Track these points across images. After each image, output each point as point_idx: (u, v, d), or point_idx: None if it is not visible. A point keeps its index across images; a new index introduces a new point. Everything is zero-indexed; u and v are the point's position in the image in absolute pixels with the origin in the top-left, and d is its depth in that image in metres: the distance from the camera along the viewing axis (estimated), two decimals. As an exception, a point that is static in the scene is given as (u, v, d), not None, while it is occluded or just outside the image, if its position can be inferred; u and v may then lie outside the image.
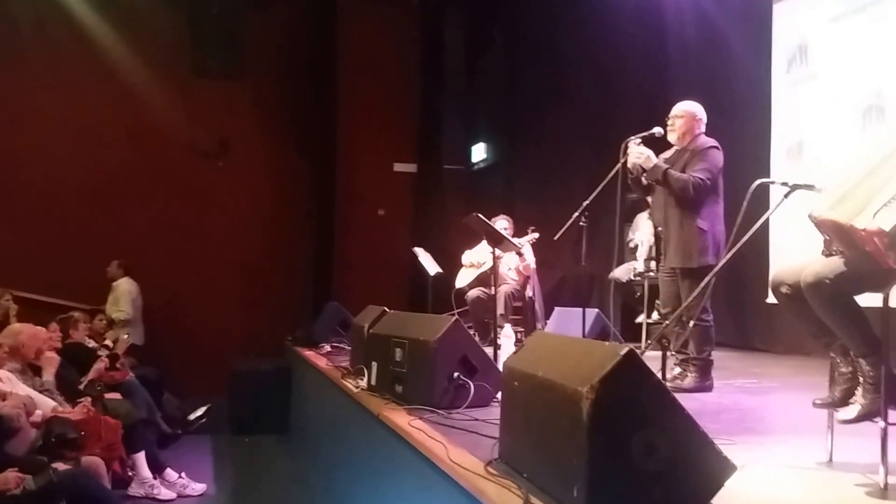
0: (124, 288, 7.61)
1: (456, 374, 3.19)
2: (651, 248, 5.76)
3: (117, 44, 8.13)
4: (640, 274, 5.58)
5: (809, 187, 2.46)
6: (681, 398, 3.53)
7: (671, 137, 3.95)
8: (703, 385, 3.79)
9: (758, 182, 2.61)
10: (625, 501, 1.75)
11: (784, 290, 2.33)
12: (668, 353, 3.79)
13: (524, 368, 2.22)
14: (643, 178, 3.95)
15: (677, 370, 3.94)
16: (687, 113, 3.92)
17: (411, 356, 3.38)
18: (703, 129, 3.93)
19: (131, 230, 8.19)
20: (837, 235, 2.20)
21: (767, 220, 2.71)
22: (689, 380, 3.81)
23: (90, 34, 8.08)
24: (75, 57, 8.08)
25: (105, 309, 7.47)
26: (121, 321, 7.38)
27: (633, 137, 3.86)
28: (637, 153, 3.81)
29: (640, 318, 5.52)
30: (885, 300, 2.22)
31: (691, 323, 3.78)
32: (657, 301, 5.08)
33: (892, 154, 2.11)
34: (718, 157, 3.81)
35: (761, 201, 2.65)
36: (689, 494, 1.80)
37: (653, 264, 5.50)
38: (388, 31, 8.77)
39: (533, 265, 5.86)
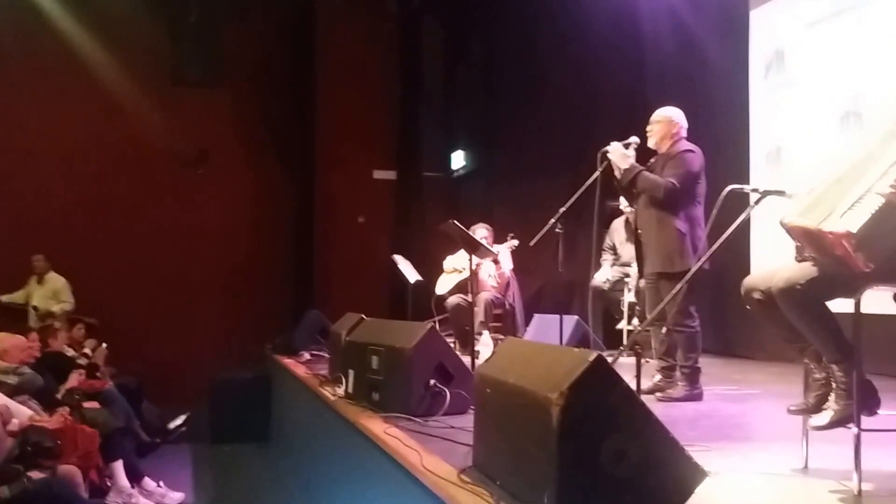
0: (63, 280, 7.61)
1: (432, 382, 3.17)
2: (615, 255, 5.79)
3: (97, 53, 8.13)
4: (608, 281, 5.59)
5: (780, 193, 2.47)
6: (658, 405, 3.56)
7: (649, 142, 3.96)
8: (693, 394, 3.76)
9: (729, 188, 2.62)
10: (594, 508, 1.74)
11: (756, 296, 2.33)
12: (646, 360, 3.78)
13: (496, 375, 2.21)
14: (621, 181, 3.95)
15: (658, 377, 3.92)
16: (663, 118, 3.91)
17: (387, 364, 3.36)
18: (682, 134, 3.91)
19: (111, 239, 8.16)
20: (808, 241, 2.21)
21: (748, 226, 2.72)
22: (679, 389, 3.78)
23: (70, 43, 8.07)
24: (55, 66, 8.07)
25: (33, 303, 7.44)
26: (64, 312, 7.33)
27: (612, 143, 3.84)
28: (615, 148, 3.78)
29: (621, 325, 5.53)
30: (857, 305, 2.23)
31: (663, 330, 3.77)
32: (637, 308, 5.10)
33: (861, 158, 2.12)
34: (694, 160, 3.79)
35: (741, 208, 2.66)
36: (660, 501, 1.79)
37: (623, 270, 5.53)
38: (366, 40, 8.79)
39: (508, 273, 5.85)
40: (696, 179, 3.81)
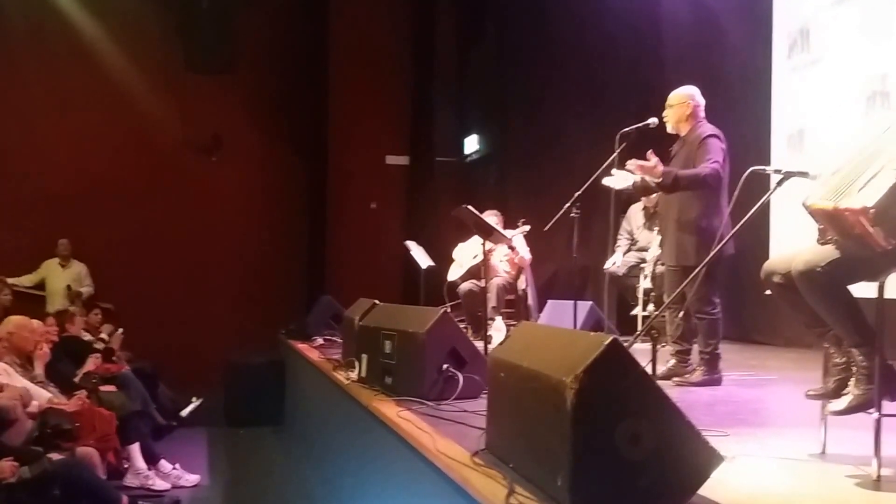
0: (83, 265, 7.87)
1: (445, 366, 3.17)
2: (632, 241, 5.73)
3: (109, 40, 8.17)
4: (617, 265, 5.53)
5: (803, 174, 2.42)
6: (674, 390, 3.54)
7: (667, 128, 3.88)
8: (712, 378, 3.74)
9: (750, 170, 2.57)
10: (609, 491, 1.73)
11: (776, 279, 2.29)
12: (661, 345, 3.75)
13: (510, 359, 2.19)
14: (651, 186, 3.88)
15: (672, 362, 3.90)
16: (676, 100, 3.80)
17: (400, 348, 3.36)
18: (701, 114, 3.81)
19: (126, 225, 8.22)
20: (830, 223, 2.16)
21: (768, 210, 2.67)
22: (698, 374, 3.76)
23: (81, 31, 8.10)
24: (67, 53, 8.09)
25: (62, 285, 7.65)
26: (89, 295, 7.65)
27: (630, 161, 3.76)
28: (637, 166, 3.64)
29: (636, 311, 5.49)
30: (880, 289, 2.18)
31: (680, 314, 3.73)
32: (652, 293, 5.05)
33: (880, 135, 2.07)
34: (720, 145, 3.70)
35: (761, 191, 2.60)
36: (675, 484, 1.77)
37: (639, 256, 5.48)
38: (379, 24, 8.74)
39: (528, 257, 5.81)
40: (724, 164, 3.74)
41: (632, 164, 3.66)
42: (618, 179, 3.86)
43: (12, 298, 7.18)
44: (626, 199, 5.68)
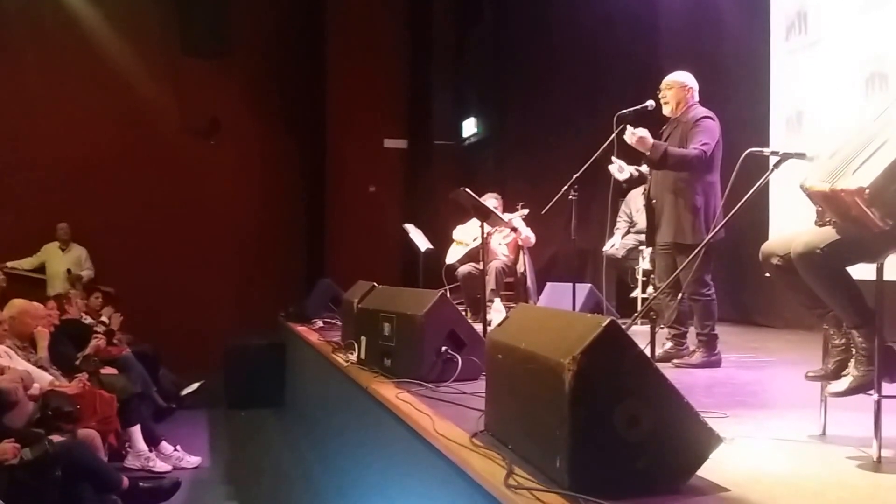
0: (84, 249, 7.94)
1: (444, 348, 3.18)
2: (631, 223, 5.72)
3: (106, 24, 8.14)
4: (615, 248, 5.52)
5: (800, 156, 2.40)
6: (673, 371, 3.55)
7: (665, 110, 3.89)
8: (711, 360, 3.77)
9: (747, 151, 2.55)
10: (607, 472, 1.73)
11: (775, 261, 2.28)
12: (660, 327, 3.76)
13: (508, 341, 2.19)
14: (640, 166, 3.90)
15: (668, 344, 3.91)
16: (675, 83, 3.85)
17: (399, 330, 3.37)
18: (695, 98, 3.87)
19: (125, 209, 8.21)
20: (828, 204, 2.15)
21: (767, 191, 2.65)
22: (697, 356, 3.79)
23: (79, 15, 8.06)
24: (64, 38, 8.05)
25: (62, 268, 7.70)
26: (89, 279, 7.74)
27: (627, 129, 3.76)
28: (630, 133, 3.69)
29: (635, 294, 5.50)
30: (879, 270, 2.18)
31: (679, 296, 3.75)
32: (652, 276, 5.05)
33: (877, 117, 2.05)
34: (714, 126, 3.75)
35: (759, 173, 2.59)
36: (674, 466, 1.78)
37: (639, 238, 5.47)
38: (376, 6, 8.70)
39: (532, 236, 5.81)
40: (717, 147, 3.75)
41: (628, 131, 3.69)
42: (618, 168, 3.87)
43: (6, 278, 7.21)
44: (626, 185, 5.66)
